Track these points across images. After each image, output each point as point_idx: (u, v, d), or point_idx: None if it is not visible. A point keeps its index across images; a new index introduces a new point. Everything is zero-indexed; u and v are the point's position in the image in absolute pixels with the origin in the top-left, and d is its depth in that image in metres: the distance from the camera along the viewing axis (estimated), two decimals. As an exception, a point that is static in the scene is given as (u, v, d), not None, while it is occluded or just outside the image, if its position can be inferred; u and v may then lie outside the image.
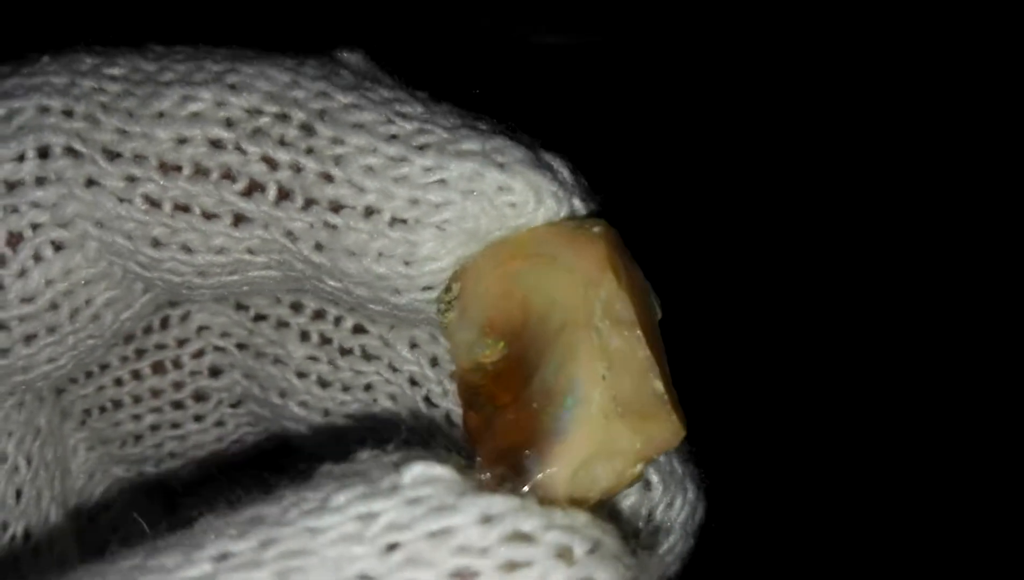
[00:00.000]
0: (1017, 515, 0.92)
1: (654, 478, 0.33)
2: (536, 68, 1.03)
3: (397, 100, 0.33)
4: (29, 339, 0.35)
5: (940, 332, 1.00)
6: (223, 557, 0.25)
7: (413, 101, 0.33)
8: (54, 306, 0.35)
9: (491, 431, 0.29)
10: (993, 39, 1.03)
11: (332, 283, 0.33)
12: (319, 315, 0.38)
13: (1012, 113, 1.02)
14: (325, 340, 0.38)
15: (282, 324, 0.39)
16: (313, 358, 0.38)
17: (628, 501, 0.33)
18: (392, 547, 0.25)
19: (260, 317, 0.39)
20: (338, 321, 0.38)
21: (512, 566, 0.25)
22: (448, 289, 0.32)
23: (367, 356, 0.38)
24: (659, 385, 0.29)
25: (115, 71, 0.34)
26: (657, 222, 0.96)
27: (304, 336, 0.38)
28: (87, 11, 0.90)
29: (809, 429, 0.95)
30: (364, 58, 0.35)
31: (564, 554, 0.25)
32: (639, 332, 0.29)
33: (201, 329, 0.40)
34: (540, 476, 0.28)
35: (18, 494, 0.37)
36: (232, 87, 0.33)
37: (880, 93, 1.05)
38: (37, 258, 0.34)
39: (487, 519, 0.25)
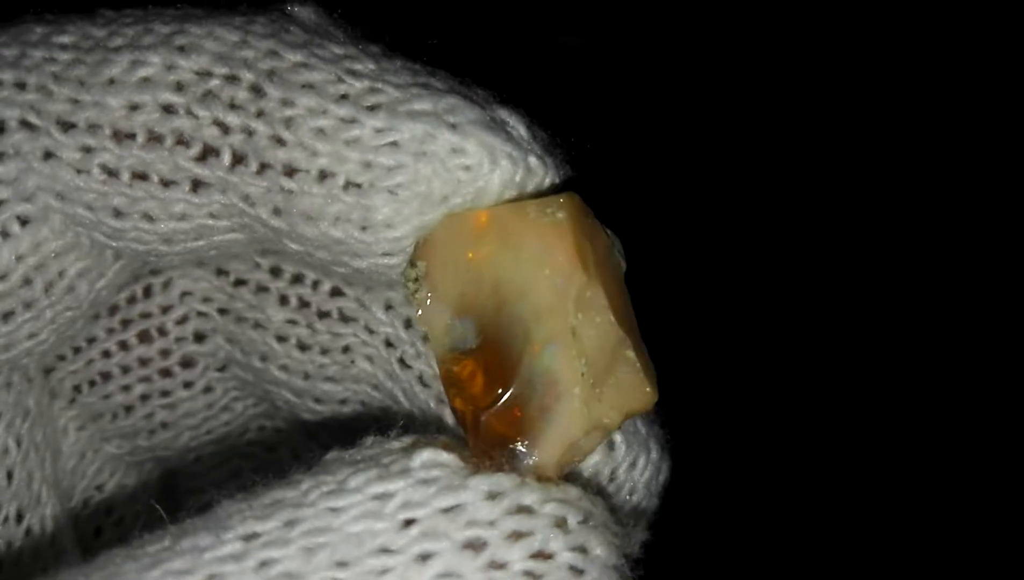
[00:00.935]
0: (1017, 515, 0.93)
1: (617, 438, 0.34)
2: (559, 68, 1.03)
3: (348, 57, 0.32)
4: (7, 316, 0.35)
5: (926, 324, 1.01)
6: (251, 536, 0.27)
7: (364, 58, 0.32)
8: (27, 281, 0.35)
9: (479, 422, 0.30)
10: (993, 39, 1.03)
11: (294, 246, 0.33)
12: (297, 279, 0.39)
13: (1012, 113, 1.02)
14: (303, 303, 0.38)
15: (261, 289, 0.39)
16: (292, 322, 0.39)
17: (591, 460, 0.33)
18: (408, 523, 0.27)
19: (240, 282, 0.39)
20: (316, 285, 0.38)
21: (517, 535, 0.27)
22: (413, 264, 0.32)
23: (344, 318, 0.38)
24: (631, 354, 0.30)
25: (65, 39, 0.34)
26: (680, 214, 0.97)
27: (283, 300, 0.39)
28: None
29: (796, 408, 0.97)
30: (316, 11, 0.35)
31: (560, 524, 0.28)
32: (612, 317, 0.30)
33: (184, 295, 0.40)
34: (531, 463, 0.29)
35: (9, 476, 0.37)
36: (181, 49, 0.33)
37: (879, 93, 1.05)
38: (5, 234, 0.34)
39: (492, 495, 0.28)
